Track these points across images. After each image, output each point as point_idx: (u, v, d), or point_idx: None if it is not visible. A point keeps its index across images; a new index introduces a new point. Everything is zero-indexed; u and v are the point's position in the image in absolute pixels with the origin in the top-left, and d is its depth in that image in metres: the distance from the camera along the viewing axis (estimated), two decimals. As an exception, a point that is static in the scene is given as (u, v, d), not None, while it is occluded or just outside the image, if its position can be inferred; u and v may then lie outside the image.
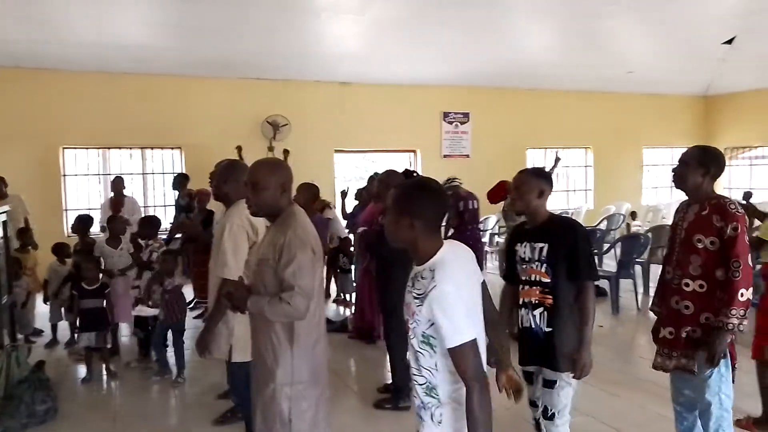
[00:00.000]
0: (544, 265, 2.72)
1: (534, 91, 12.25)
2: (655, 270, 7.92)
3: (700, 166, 2.89)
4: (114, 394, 4.86)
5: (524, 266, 2.80)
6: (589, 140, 13.24)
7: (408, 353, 1.99)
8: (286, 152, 8.12)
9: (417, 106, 11.51)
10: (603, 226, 10.04)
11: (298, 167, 9.61)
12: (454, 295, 1.79)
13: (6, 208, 5.21)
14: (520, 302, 2.81)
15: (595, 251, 8.27)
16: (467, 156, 12.09)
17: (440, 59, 10.09)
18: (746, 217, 2.89)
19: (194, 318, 6.71)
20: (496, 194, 6.54)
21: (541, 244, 2.73)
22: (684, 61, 10.95)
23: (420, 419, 1.95)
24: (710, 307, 2.79)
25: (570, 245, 2.69)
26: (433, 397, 1.89)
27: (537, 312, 2.74)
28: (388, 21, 8.05)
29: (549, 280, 2.71)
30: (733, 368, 2.95)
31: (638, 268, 7.43)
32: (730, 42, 9.58)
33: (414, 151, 11.95)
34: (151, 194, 10.31)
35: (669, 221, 9.54)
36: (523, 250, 2.80)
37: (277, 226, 2.40)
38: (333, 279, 7.69)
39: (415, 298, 1.85)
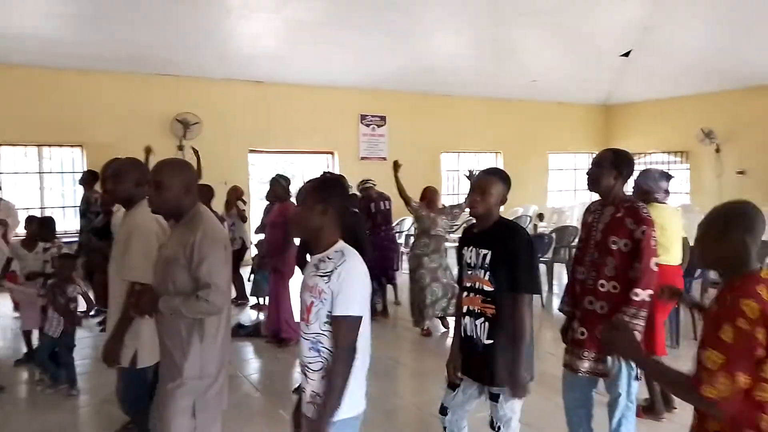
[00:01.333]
0: (487, 272, 2.59)
1: (448, 97, 12.59)
2: (558, 269, 8.40)
3: (613, 168, 2.94)
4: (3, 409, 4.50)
5: (469, 272, 2.69)
6: (499, 145, 13.76)
7: (300, 354, 2.09)
8: (195, 151, 7.86)
9: (334, 107, 11.51)
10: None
11: (211, 167, 9.44)
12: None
13: None
14: (464, 310, 2.69)
15: None
16: (384, 159, 12.21)
17: (357, 62, 10.15)
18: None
19: (98, 324, 6.38)
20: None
21: (485, 251, 2.61)
22: (585, 72, 11.63)
23: (315, 408, 2.04)
24: (623, 307, 2.82)
25: (511, 253, 2.56)
26: None
27: (478, 322, 2.62)
28: (304, 22, 8.00)
29: (491, 289, 2.58)
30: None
31: (543, 267, 7.77)
32: (627, 55, 10.28)
33: (332, 153, 11.93)
34: (48, 195, 9.65)
35: (572, 223, 10.10)
36: (469, 255, 2.68)
37: (184, 225, 2.41)
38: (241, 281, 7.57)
39: (323, 276, 2.00)
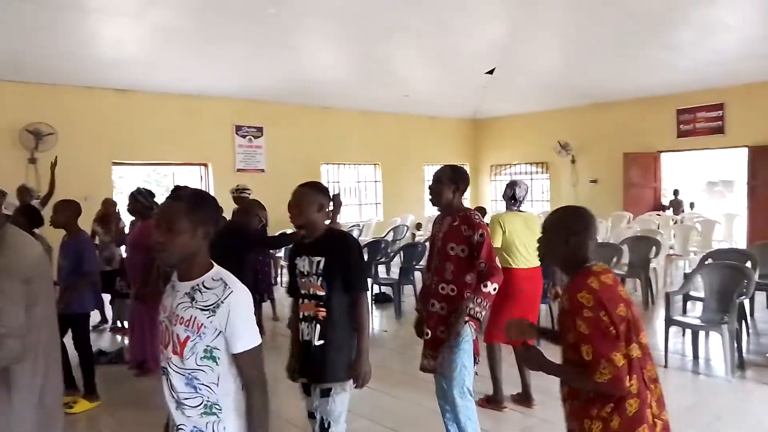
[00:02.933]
0: (320, 278, 2.74)
1: (325, 109, 12.65)
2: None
3: (451, 183, 3.25)
4: None
5: (303, 280, 2.82)
6: (377, 157, 14.05)
7: (170, 389, 1.88)
8: (52, 164, 7.21)
9: (207, 118, 11.10)
10: (390, 237, 10.67)
11: (71, 181, 8.71)
12: (248, 300, 1.85)
13: None
14: (300, 316, 2.82)
15: (383, 260, 8.76)
16: (262, 170, 11.99)
17: (230, 72, 9.88)
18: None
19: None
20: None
21: (318, 258, 2.76)
22: (454, 88, 12.23)
23: None
24: (470, 296, 3.13)
25: (344, 258, 2.74)
26: (214, 414, 1.84)
27: (312, 325, 2.76)
28: (171, 28, 7.65)
29: (324, 293, 2.74)
30: (476, 361, 3.33)
31: (418, 274, 8.00)
32: (491, 72, 10.94)
33: (206, 165, 11.48)
34: None
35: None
36: (303, 263, 2.81)
37: None
38: (109, 304, 7.01)
39: (203, 309, 1.79)
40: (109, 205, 7.34)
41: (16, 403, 1.97)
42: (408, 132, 14.27)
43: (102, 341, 6.48)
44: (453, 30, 8.58)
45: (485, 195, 15.95)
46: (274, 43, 8.56)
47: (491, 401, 4.34)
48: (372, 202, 14.25)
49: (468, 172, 3.52)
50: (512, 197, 4.48)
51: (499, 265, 3.21)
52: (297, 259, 2.85)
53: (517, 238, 4.32)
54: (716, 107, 11.75)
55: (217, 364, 1.81)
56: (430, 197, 3.34)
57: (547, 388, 4.28)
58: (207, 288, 1.82)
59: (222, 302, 1.78)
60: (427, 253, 3.59)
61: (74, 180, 8.92)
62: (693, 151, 12.92)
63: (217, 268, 1.88)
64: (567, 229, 2.04)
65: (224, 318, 1.77)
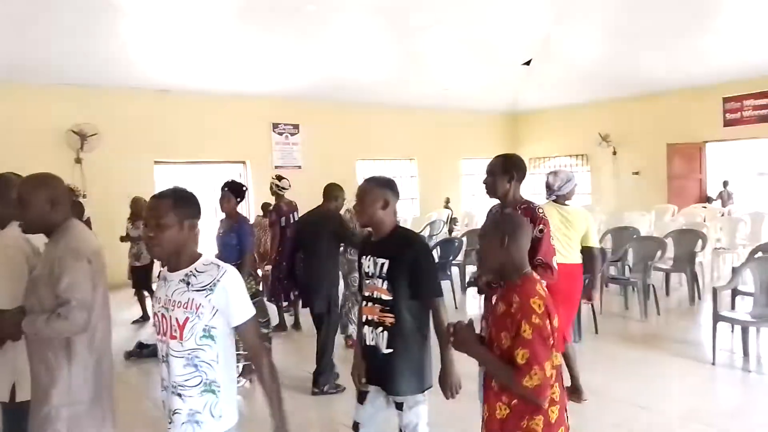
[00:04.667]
0: (385, 281, 2.53)
1: (362, 105, 12.66)
2: (471, 270, 8.61)
3: (504, 173, 3.10)
4: None
5: (368, 281, 2.62)
6: (413, 152, 14.01)
7: (165, 369, 2.01)
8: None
9: (245, 116, 11.28)
10: (427, 232, 10.62)
11: (114, 180, 8.94)
12: (240, 279, 2.02)
13: None
14: (363, 319, 2.66)
15: None
16: (299, 167, 12.10)
17: (267, 71, 9.99)
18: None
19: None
20: None
21: (382, 260, 2.55)
22: (492, 81, 12.07)
23: (195, 425, 1.97)
24: None
25: (411, 262, 2.51)
26: (212, 392, 1.98)
27: (378, 331, 2.57)
28: (210, 29, 7.78)
29: (389, 298, 2.53)
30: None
31: (455, 270, 7.94)
32: (528, 63, 10.75)
33: (244, 163, 11.67)
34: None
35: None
36: (368, 264, 2.62)
37: (51, 241, 2.31)
38: (144, 300, 7.21)
39: (200, 290, 1.94)
40: (137, 203, 7.53)
41: (75, 373, 2.22)
42: (444, 126, 14.17)
43: (142, 334, 6.65)
44: (491, 23, 8.47)
45: (524, 188, 15.70)
46: (311, 42, 8.61)
47: (571, 392, 4.12)
48: (408, 197, 14.21)
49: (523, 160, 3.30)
50: (547, 186, 4.36)
51: (555, 265, 3.03)
52: (363, 258, 2.66)
53: (557, 232, 4.15)
54: (765, 95, 11.28)
55: (215, 342, 1.97)
56: (485, 189, 3.19)
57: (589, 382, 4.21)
58: (200, 272, 1.96)
59: (218, 281, 1.94)
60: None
61: (117, 179, 9.20)
62: (740, 141, 12.43)
63: (206, 255, 2.04)
64: (509, 237, 2.02)
65: (222, 296, 1.93)
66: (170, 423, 2.01)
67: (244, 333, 2.01)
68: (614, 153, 13.67)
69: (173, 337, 1.96)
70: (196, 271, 1.97)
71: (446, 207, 12.90)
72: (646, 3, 7.85)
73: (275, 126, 11.95)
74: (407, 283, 2.50)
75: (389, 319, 2.54)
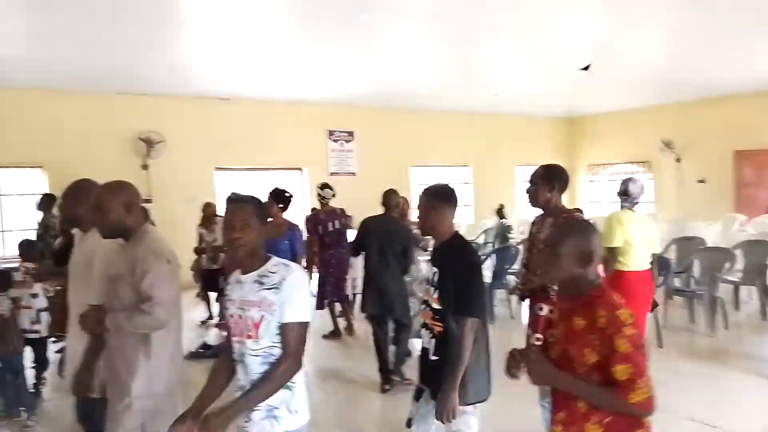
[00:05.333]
0: (437, 290, 2.59)
1: (415, 112, 12.70)
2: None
3: (546, 183, 3.19)
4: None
5: (426, 286, 2.71)
6: (467, 158, 13.92)
7: (241, 369, 2.08)
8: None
9: (302, 123, 11.50)
10: (481, 239, 10.52)
11: (177, 186, 9.29)
12: (306, 283, 2.11)
13: None
14: (422, 321, 2.72)
15: None
16: (353, 174, 12.24)
17: (324, 78, 10.15)
18: None
19: (56, 352, 6.16)
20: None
21: (435, 268, 2.62)
22: (547, 86, 11.85)
23: (273, 421, 2.03)
24: None
25: (456, 275, 2.52)
26: (288, 388, 2.04)
27: (429, 336, 2.63)
28: (269, 38, 7.98)
29: (439, 308, 2.59)
30: None
31: (512, 278, 7.82)
32: (586, 68, 10.50)
33: (300, 169, 11.89)
34: (7, 218, 9.37)
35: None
36: (428, 269, 2.73)
37: (130, 244, 2.45)
38: (210, 302, 7.43)
39: (270, 288, 2.02)
40: (210, 207, 7.77)
41: (152, 367, 2.38)
42: (499, 132, 14.01)
43: (207, 336, 6.86)
44: (545, 27, 8.33)
45: (582, 196, 15.35)
46: (366, 49, 8.70)
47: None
48: (462, 204, 14.09)
49: (566, 170, 3.40)
50: (624, 193, 4.32)
51: (602, 272, 3.08)
52: (428, 263, 2.83)
53: (634, 238, 4.14)
54: None
55: None
56: (528, 199, 3.29)
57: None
58: (271, 272, 2.06)
59: (285, 279, 2.03)
60: (522, 254, 3.48)
61: (180, 184, 9.56)
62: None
63: (275, 258, 2.12)
64: (585, 248, 1.90)
65: (286, 292, 2.01)
66: (247, 421, 2.06)
67: (287, 332, 2.01)
68: (678, 160, 13.16)
69: (249, 337, 2.05)
70: (268, 271, 2.06)
71: (500, 214, 12.72)
72: (710, 2, 7.54)
73: (331, 133, 12.13)
74: (453, 295, 2.52)
75: (437, 327, 2.59)
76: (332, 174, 11.84)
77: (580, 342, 1.83)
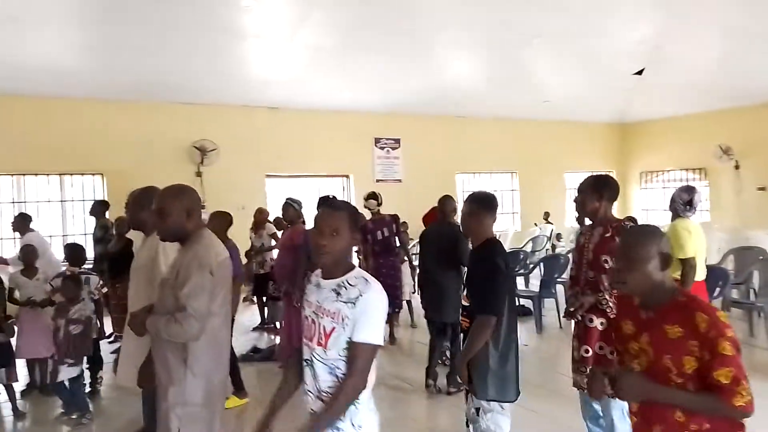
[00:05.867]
0: (466, 289, 2.89)
1: (461, 118, 12.66)
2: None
3: (594, 192, 3.13)
4: (21, 435, 4.55)
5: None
6: (514, 165, 13.76)
7: (309, 373, 2.03)
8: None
9: (349, 131, 11.63)
10: (529, 247, 10.38)
11: (229, 193, 9.55)
12: (384, 304, 1.99)
13: None
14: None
15: (521, 272, 8.53)
16: (399, 181, 12.29)
17: (370, 86, 10.26)
18: None
19: (111, 353, 6.40)
20: (427, 218, 6.65)
21: (466, 269, 2.96)
22: (598, 91, 11.61)
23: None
24: None
25: (477, 271, 2.81)
26: (353, 404, 1.96)
27: (462, 335, 2.87)
28: (317, 49, 8.12)
29: (467, 305, 2.84)
30: None
31: (560, 288, 7.68)
32: (639, 73, 10.24)
33: (347, 176, 12.02)
34: (70, 223, 9.83)
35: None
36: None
37: (184, 248, 2.47)
38: (262, 306, 7.58)
39: (347, 302, 1.95)
40: (261, 213, 7.96)
41: (190, 378, 2.35)
42: (548, 138, 13.79)
43: (255, 339, 7.00)
44: (595, 31, 8.18)
45: (635, 204, 14.93)
46: (413, 56, 8.74)
47: None
48: (509, 211, 13.95)
49: (616, 180, 3.36)
50: (689, 203, 4.24)
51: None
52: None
53: (699, 248, 4.08)
54: None
55: None
56: (576, 209, 3.26)
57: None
58: (351, 285, 1.98)
59: (361, 295, 1.94)
60: (570, 265, 3.42)
61: (232, 191, 9.81)
62: None
63: (358, 269, 2.05)
64: (666, 254, 1.85)
65: (360, 309, 1.93)
66: None
67: (356, 352, 1.94)
68: (736, 167, 12.65)
69: (319, 344, 2.00)
70: (348, 283, 1.99)
71: (546, 222, 12.53)
72: (770, 1, 7.23)
73: (377, 140, 12.22)
74: (473, 293, 2.80)
75: (465, 323, 2.84)
76: (378, 181, 11.92)
77: (679, 350, 1.77)
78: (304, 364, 2.06)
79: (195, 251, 2.38)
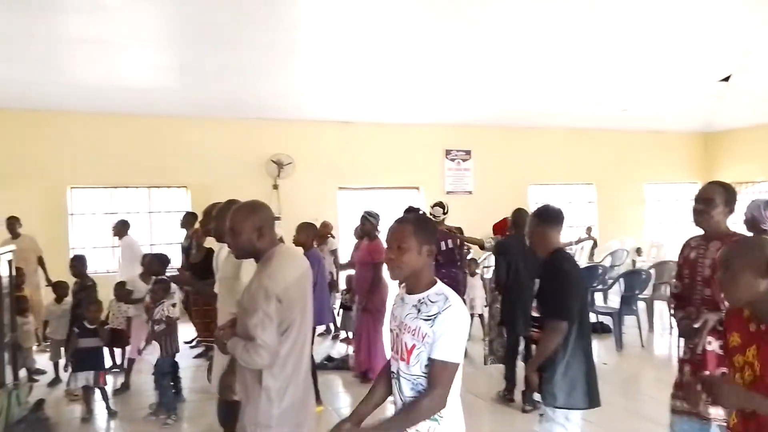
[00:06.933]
0: (535, 299, 2.94)
1: (534, 129, 12.43)
2: (660, 306, 7.90)
3: (724, 204, 2.87)
4: (112, 433, 4.83)
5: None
6: (591, 176, 13.34)
7: (398, 392, 2.04)
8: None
9: (419, 143, 11.69)
10: (607, 262, 10.01)
11: (303, 205, 9.78)
12: (463, 320, 1.96)
13: (12, 247, 5.30)
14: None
15: (600, 287, 8.24)
16: (470, 192, 12.20)
17: (441, 99, 10.27)
18: None
19: (194, 357, 6.69)
20: (497, 228, 6.58)
21: (536, 279, 2.96)
22: (681, 99, 11.10)
23: None
24: None
25: (547, 280, 2.89)
26: (435, 420, 1.96)
27: (533, 346, 2.94)
28: (388, 63, 8.24)
29: (538, 315, 2.92)
30: None
31: (642, 305, 7.37)
32: (726, 80, 9.72)
33: (417, 188, 12.06)
34: (156, 233, 10.39)
35: (674, 258, 9.54)
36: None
37: (257, 270, 2.45)
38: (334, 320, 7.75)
39: (426, 320, 1.94)
40: (325, 227, 8.14)
41: (263, 400, 2.35)
42: (626, 149, 13.29)
43: (332, 349, 7.12)
44: (678, 37, 7.85)
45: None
46: (483, 69, 8.69)
47: None
48: (585, 224, 13.51)
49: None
50: None
51: None
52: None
53: None
54: None
55: None
56: (696, 219, 2.97)
57: None
58: (431, 301, 1.97)
59: (441, 312, 1.92)
60: (676, 281, 3.15)
61: (306, 204, 10.06)
62: None
63: (440, 284, 2.03)
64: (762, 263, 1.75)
65: (440, 327, 1.92)
66: None
67: (435, 370, 1.93)
68: (838, 176, 11.72)
69: (402, 359, 2.01)
70: (429, 300, 1.98)
71: (589, 237, 12.10)
72: None
73: (448, 152, 12.20)
74: (545, 302, 2.87)
75: (536, 335, 2.88)
76: (448, 193, 11.88)
77: None
78: (392, 376, 2.09)
79: (261, 280, 2.34)
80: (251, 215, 2.42)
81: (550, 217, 3.03)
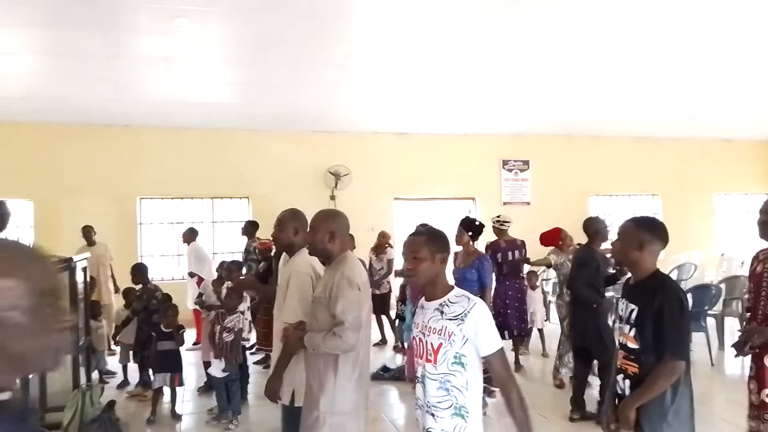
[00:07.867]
0: (632, 329, 2.46)
1: (595, 138, 12.13)
2: (731, 323, 7.51)
3: None
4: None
5: (619, 325, 2.59)
6: (655, 187, 12.87)
7: (422, 389, 2.19)
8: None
9: (475, 154, 11.61)
10: (674, 276, 9.61)
11: (359, 215, 9.88)
12: (489, 313, 2.18)
13: (87, 254, 5.63)
14: (617, 365, 2.60)
15: (711, 312, 7.37)
16: (528, 203, 12.01)
17: (497, 110, 10.19)
18: None
19: (254, 363, 6.84)
20: (546, 238, 6.43)
21: (632, 306, 2.49)
22: (753, 106, 10.58)
23: None
24: None
25: (656, 310, 2.36)
26: (462, 417, 2.11)
27: (621, 378, 2.50)
28: (442, 75, 8.25)
29: (636, 347, 2.44)
30: None
31: (711, 321, 7.03)
32: (802, 84, 9.20)
33: (473, 199, 11.97)
34: (219, 242, 10.74)
35: (745, 272, 9.04)
36: (622, 307, 2.58)
37: (330, 269, 2.72)
38: (381, 324, 7.81)
39: (452, 319, 2.12)
40: (383, 237, 8.18)
41: (339, 385, 2.56)
42: (693, 158, 12.76)
43: (385, 357, 7.14)
44: (746, 42, 7.50)
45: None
46: (539, 79, 8.57)
47: None
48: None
49: None
50: None
51: None
52: (620, 301, 2.61)
53: None
54: None
55: (465, 370, 2.12)
56: (763, 231, 2.88)
57: None
58: (452, 303, 2.17)
59: (469, 312, 2.11)
60: (747, 294, 3.00)
61: (362, 214, 10.13)
62: None
63: (457, 288, 2.24)
64: None
65: (472, 326, 2.09)
66: None
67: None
68: None
69: (428, 360, 2.17)
70: (449, 302, 2.18)
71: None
72: None
73: (505, 162, 12.06)
74: (652, 333, 2.36)
75: (632, 368, 2.45)
76: (505, 203, 11.74)
77: None
78: (417, 380, 2.24)
79: (342, 271, 2.61)
80: (328, 219, 2.77)
81: (659, 229, 2.53)
